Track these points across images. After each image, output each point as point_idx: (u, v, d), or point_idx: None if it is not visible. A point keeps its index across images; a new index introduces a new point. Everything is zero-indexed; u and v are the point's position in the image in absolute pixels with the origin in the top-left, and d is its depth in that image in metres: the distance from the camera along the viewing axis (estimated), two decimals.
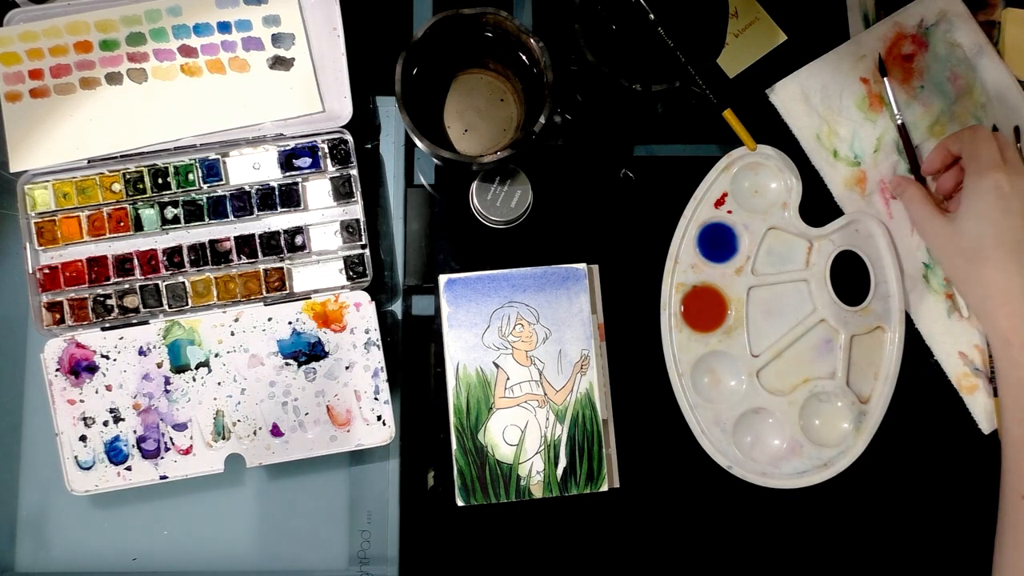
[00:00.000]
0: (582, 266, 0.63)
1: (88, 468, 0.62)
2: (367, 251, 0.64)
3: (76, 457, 0.62)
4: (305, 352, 0.63)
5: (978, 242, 0.53)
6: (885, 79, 0.66)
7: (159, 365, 0.63)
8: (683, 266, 0.66)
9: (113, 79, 0.65)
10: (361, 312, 0.63)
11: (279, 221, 0.65)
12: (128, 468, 0.62)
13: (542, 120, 0.57)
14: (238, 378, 0.63)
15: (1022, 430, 0.51)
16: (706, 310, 0.66)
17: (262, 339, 0.63)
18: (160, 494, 0.64)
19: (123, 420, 0.62)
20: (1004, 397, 0.53)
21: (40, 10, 0.64)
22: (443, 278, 0.63)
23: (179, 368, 0.63)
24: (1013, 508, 0.51)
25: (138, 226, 0.64)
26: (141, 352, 0.63)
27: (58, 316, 0.63)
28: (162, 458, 0.62)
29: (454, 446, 0.61)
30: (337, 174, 0.65)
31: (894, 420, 0.65)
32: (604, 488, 0.61)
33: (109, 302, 0.63)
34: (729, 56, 0.69)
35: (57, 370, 0.62)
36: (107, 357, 0.63)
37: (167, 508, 0.64)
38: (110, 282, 0.64)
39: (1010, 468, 0.52)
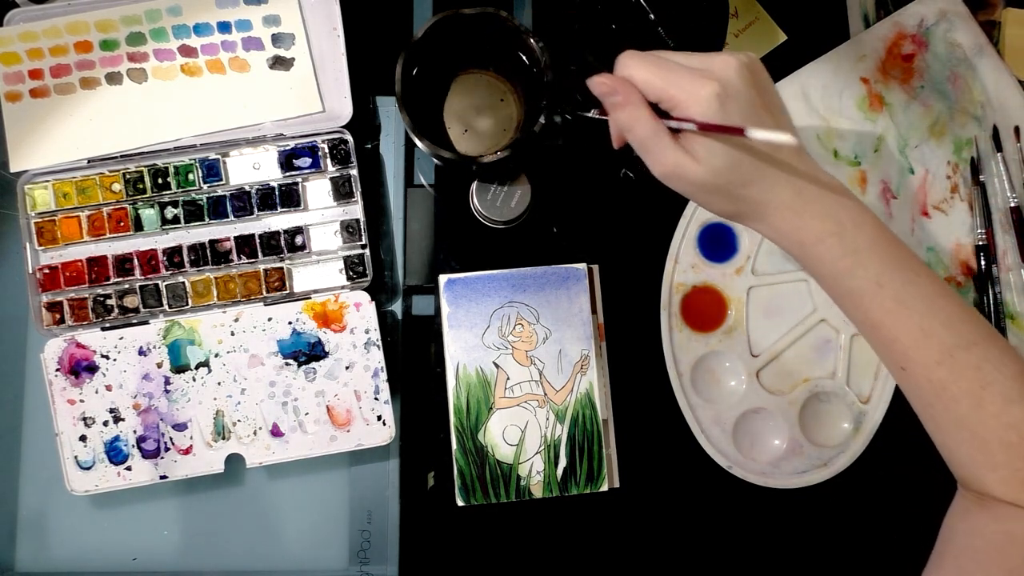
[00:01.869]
0: (582, 266, 0.63)
1: (88, 468, 0.62)
2: (367, 251, 0.64)
3: (76, 457, 0.62)
4: (305, 352, 0.63)
5: (735, 173, 0.45)
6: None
7: (159, 365, 0.63)
8: (683, 266, 0.66)
9: (113, 79, 0.65)
10: (361, 312, 0.63)
11: (279, 221, 0.65)
12: (128, 468, 0.62)
13: (542, 120, 0.57)
14: (238, 378, 0.63)
15: (863, 313, 0.46)
16: (706, 310, 0.66)
17: (262, 339, 0.63)
18: (160, 494, 0.64)
19: (123, 420, 0.62)
20: (833, 293, 0.48)
21: (40, 10, 0.64)
22: (443, 278, 0.63)
23: (179, 368, 0.63)
24: (903, 381, 0.48)
25: (138, 226, 0.64)
26: (141, 352, 0.63)
27: (58, 316, 0.63)
28: (162, 458, 0.62)
29: (454, 446, 0.61)
30: (337, 174, 0.65)
31: (894, 420, 0.65)
32: (604, 488, 0.61)
33: (109, 302, 0.63)
34: None
35: (57, 370, 0.62)
36: (107, 357, 0.63)
37: (167, 508, 0.64)
38: (110, 282, 0.64)
39: (878, 350, 0.48)
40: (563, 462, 0.61)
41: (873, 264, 0.46)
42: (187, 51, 0.65)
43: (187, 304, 0.64)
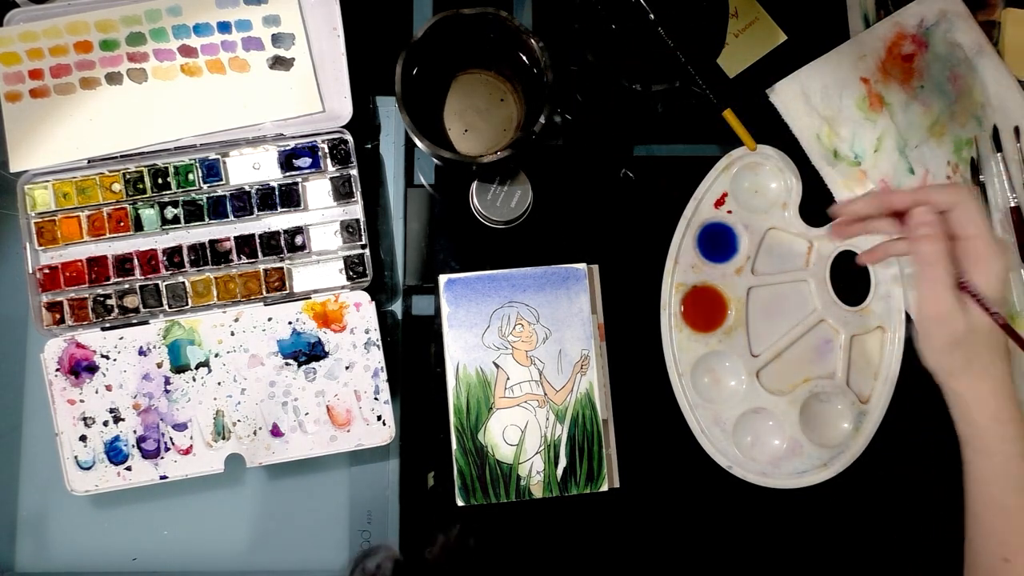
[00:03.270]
0: (582, 266, 0.63)
1: (88, 468, 0.62)
2: (367, 251, 0.64)
3: (76, 457, 0.62)
4: (305, 352, 0.63)
5: (988, 337, 0.51)
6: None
7: (159, 365, 0.63)
8: (683, 266, 0.66)
9: (113, 79, 0.65)
10: (361, 312, 0.63)
11: (279, 221, 0.65)
12: (128, 468, 0.62)
13: (542, 120, 0.57)
14: (238, 378, 0.63)
15: (1008, 497, 0.53)
16: (706, 310, 0.66)
17: (262, 339, 0.63)
18: (160, 494, 0.64)
19: (123, 420, 0.62)
20: (985, 466, 0.54)
21: (40, 10, 0.64)
22: (443, 278, 0.63)
23: (179, 368, 0.63)
24: (993, 570, 0.53)
25: (138, 226, 0.64)
26: (141, 352, 0.63)
27: (58, 316, 0.63)
28: (162, 458, 0.62)
29: (454, 446, 0.61)
30: (337, 174, 0.65)
31: (894, 420, 0.65)
32: (604, 488, 0.61)
33: (109, 302, 0.63)
34: (729, 56, 0.69)
35: (57, 370, 0.62)
36: (107, 357, 0.63)
37: (167, 508, 0.64)
38: (110, 282, 0.64)
39: (992, 532, 0.54)
40: (563, 462, 0.61)
41: None
42: (187, 51, 0.65)
43: (187, 304, 0.64)
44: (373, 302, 0.63)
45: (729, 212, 0.67)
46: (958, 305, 0.50)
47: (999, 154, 0.68)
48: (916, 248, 0.52)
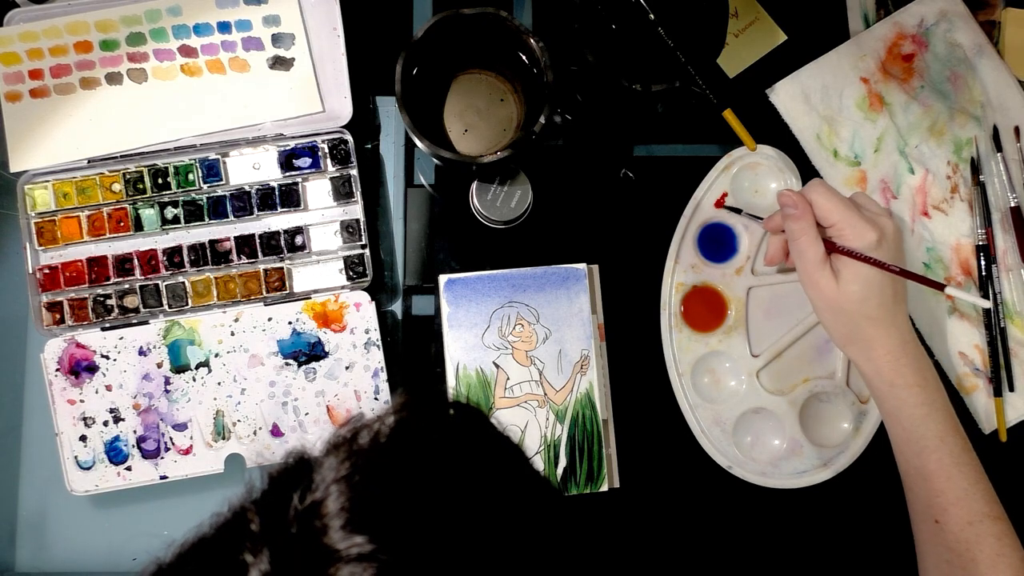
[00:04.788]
0: (582, 266, 0.63)
1: (88, 468, 0.62)
2: (367, 251, 0.64)
3: (76, 457, 0.62)
4: (305, 352, 0.63)
5: (862, 305, 0.55)
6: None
7: (159, 365, 0.63)
8: (683, 266, 0.66)
9: (113, 79, 0.65)
10: (361, 312, 0.63)
11: (279, 221, 0.65)
12: (128, 468, 0.62)
13: (542, 120, 0.57)
14: (238, 378, 0.63)
15: (921, 460, 0.55)
16: (706, 310, 0.66)
17: (262, 339, 0.63)
18: (160, 494, 0.64)
19: (123, 420, 0.62)
20: (897, 432, 0.56)
21: (40, 10, 0.64)
22: (443, 278, 0.63)
23: (179, 368, 0.63)
24: (930, 532, 0.55)
25: (138, 226, 0.64)
26: (141, 352, 0.63)
27: (58, 316, 0.63)
28: (162, 458, 0.62)
29: None
30: (337, 174, 0.65)
31: None
32: (604, 488, 0.61)
33: (109, 302, 0.63)
34: (729, 56, 0.69)
35: (57, 370, 0.62)
36: (107, 357, 0.63)
37: (167, 508, 0.64)
38: (110, 282, 0.64)
39: (919, 496, 0.56)
40: (563, 462, 0.61)
41: (940, 421, 0.55)
42: (187, 51, 0.65)
43: (187, 304, 0.64)
44: (373, 302, 0.63)
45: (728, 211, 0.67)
46: (826, 274, 0.55)
47: (999, 154, 0.68)
48: (786, 227, 0.58)
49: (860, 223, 0.55)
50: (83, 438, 0.62)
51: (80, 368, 0.62)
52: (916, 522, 0.57)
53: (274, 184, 0.64)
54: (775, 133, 0.68)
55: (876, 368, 0.56)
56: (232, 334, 0.63)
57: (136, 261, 0.64)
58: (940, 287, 0.56)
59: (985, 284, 0.67)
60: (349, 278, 0.64)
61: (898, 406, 0.55)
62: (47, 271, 0.63)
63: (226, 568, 0.29)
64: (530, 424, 0.61)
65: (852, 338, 0.57)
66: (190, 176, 0.64)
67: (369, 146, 0.68)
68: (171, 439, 0.62)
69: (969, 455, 0.55)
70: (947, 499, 0.54)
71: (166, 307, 0.64)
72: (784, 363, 0.66)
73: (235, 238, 0.64)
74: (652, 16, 0.63)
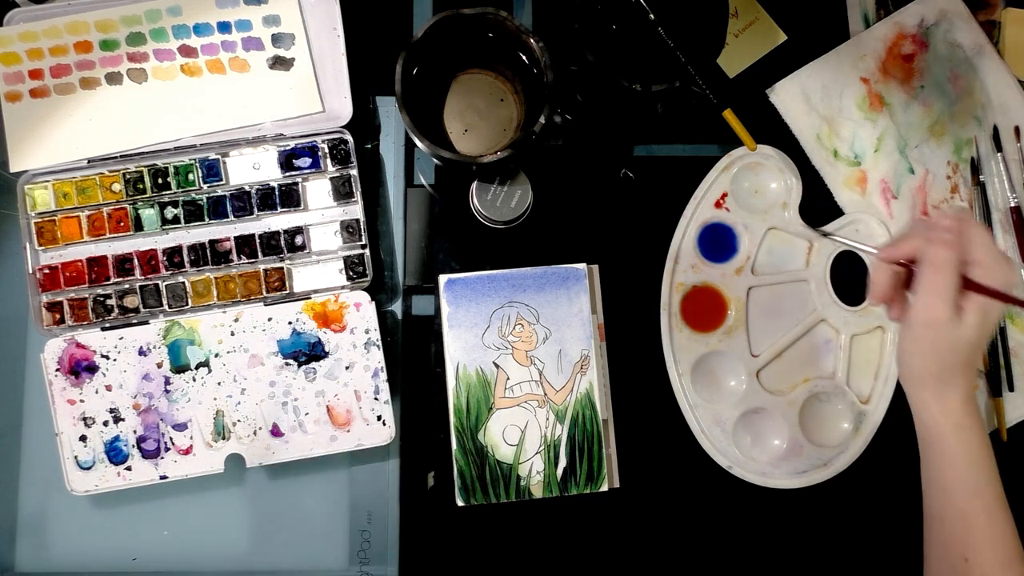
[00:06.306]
0: (582, 266, 0.63)
1: (88, 468, 0.62)
2: (367, 251, 0.64)
3: (76, 457, 0.62)
4: (305, 352, 0.63)
5: (973, 347, 0.52)
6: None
7: (159, 365, 0.63)
8: (683, 266, 0.66)
9: (113, 79, 0.65)
10: (361, 312, 0.63)
11: (279, 221, 0.65)
12: (128, 468, 0.62)
13: (542, 120, 0.57)
14: (238, 378, 0.63)
15: (970, 501, 0.54)
16: (706, 310, 0.66)
17: (262, 339, 0.63)
18: (160, 494, 0.64)
19: (123, 420, 0.62)
20: (949, 474, 0.55)
21: (40, 10, 0.64)
22: (443, 278, 0.63)
23: (179, 368, 0.63)
24: (953, 569, 0.54)
25: (138, 226, 0.64)
26: (141, 352, 0.63)
27: (58, 316, 0.63)
28: (162, 458, 0.62)
29: (454, 446, 0.61)
30: (337, 174, 0.65)
31: (894, 420, 0.65)
32: (604, 488, 0.61)
33: (109, 302, 0.63)
34: (729, 56, 0.69)
35: (57, 370, 0.62)
36: (107, 357, 0.63)
37: (167, 508, 0.64)
38: (110, 282, 0.64)
39: (953, 533, 0.55)
40: (563, 462, 0.61)
41: (992, 461, 0.54)
42: (187, 51, 0.65)
43: (187, 304, 0.64)
44: (373, 302, 0.63)
45: (729, 212, 0.67)
46: (953, 316, 0.51)
47: (999, 154, 0.68)
48: (930, 250, 0.51)
49: (1007, 262, 0.51)
50: (83, 438, 0.62)
51: (80, 368, 0.62)
52: (940, 557, 0.55)
53: (274, 184, 0.64)
54: (775, 133, 0.68)
55: (947, 410, 0.54)
56: (232, 334, 0.63)
57: (136, 261, 0.64)
58: None
59: None
60: (349, 278, 0.64)
61: (963, 448, 0.54)
62: (47, 271, 0.63)
63: None
64: (530, 424, 0.61)
65: (937, 378, 0.53)
66: (190, 176, 0.64)
67: (369, 146, 0.68)
68: (171, 439, 0.62)
69: (1003, 495, 0.54)
70: (982, 538, 0.53)
71: (166, 307, 0.64)
72: (784, 363, 0.66)
73: (235, 238, 0.64)
74: (652, 16, 0.63)
